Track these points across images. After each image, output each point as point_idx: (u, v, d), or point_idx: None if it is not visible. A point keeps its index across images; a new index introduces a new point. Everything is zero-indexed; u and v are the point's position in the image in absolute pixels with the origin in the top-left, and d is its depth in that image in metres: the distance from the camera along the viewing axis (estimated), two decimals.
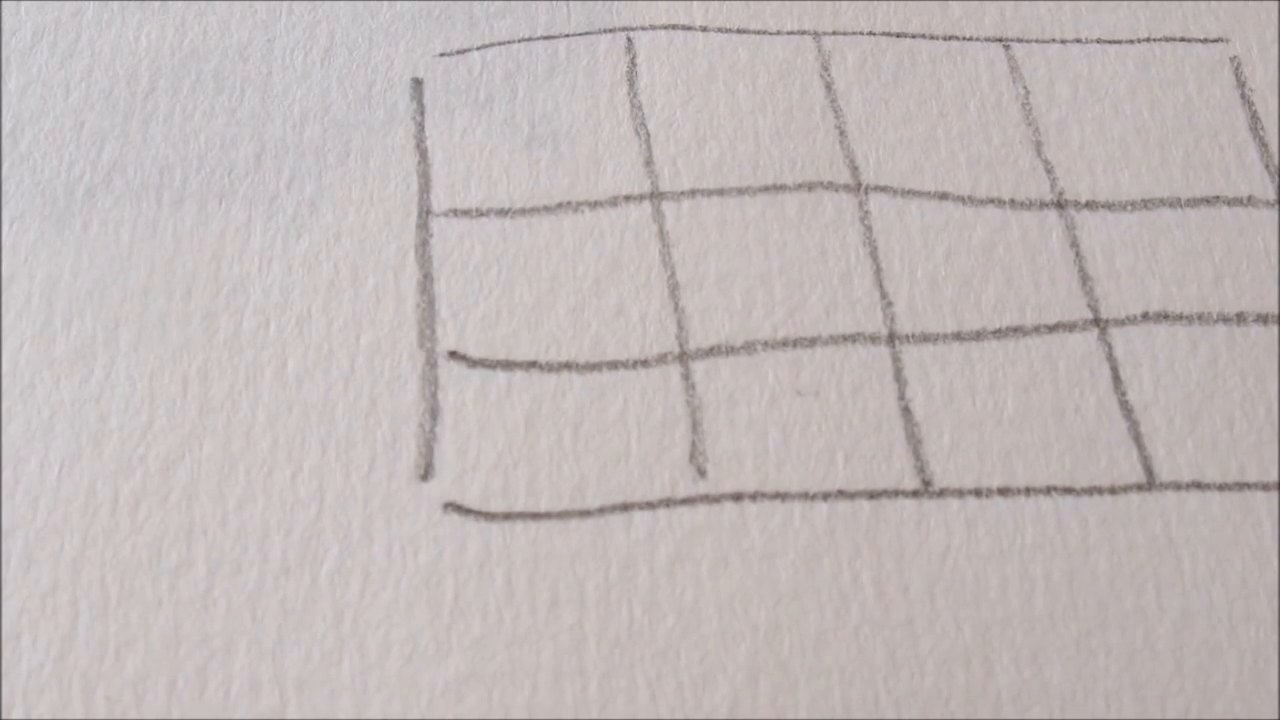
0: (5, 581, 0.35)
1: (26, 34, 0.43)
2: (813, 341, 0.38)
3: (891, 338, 0.38)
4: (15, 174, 0.40)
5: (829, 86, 0.43)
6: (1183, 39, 0.44)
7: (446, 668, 0.34)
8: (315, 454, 0.36)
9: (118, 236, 0.39)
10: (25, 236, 0.39)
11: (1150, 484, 0.36)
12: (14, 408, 0.37)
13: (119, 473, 0.36)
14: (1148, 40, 0.44)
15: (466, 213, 0.40)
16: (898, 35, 0.44)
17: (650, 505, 0.36)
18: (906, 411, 0.37)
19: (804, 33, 0.44)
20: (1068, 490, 0.36)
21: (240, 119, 0.42)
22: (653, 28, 0.44)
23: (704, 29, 0.44)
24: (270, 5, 0.44)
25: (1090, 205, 0.41)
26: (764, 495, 0.36)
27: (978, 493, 0.36)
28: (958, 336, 0.38)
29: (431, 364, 0.38)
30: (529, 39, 0.43)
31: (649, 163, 0.41)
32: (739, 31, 0.44)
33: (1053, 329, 0.39)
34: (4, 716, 0.33)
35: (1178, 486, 0.36)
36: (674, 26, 0.44)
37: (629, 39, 0.43)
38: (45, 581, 0.35)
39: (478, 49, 0.43)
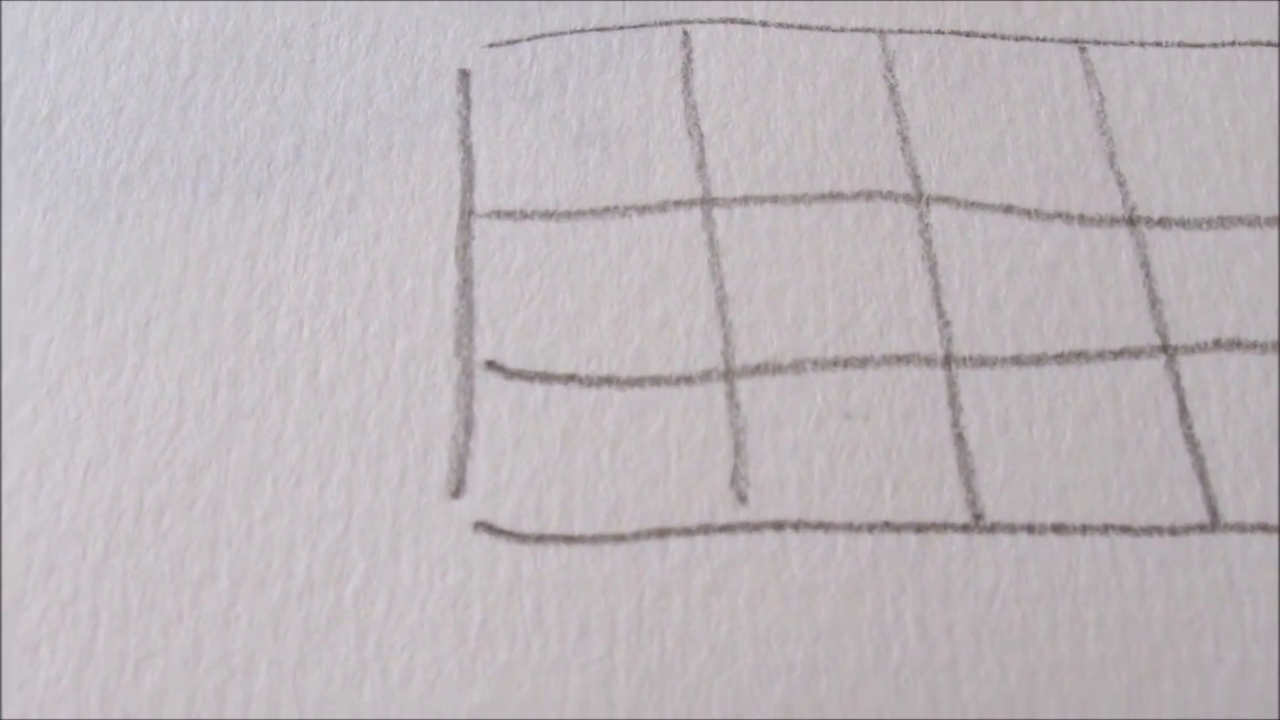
0: (27, 589, 0.34)
1: (67, 14, 0.42)
2: (864, 362, 0.37)
3: (947, 360, 0.37)
4: (51, 160, 0.39)
5: (892, 89, 0.41)
6: (1269, 43, 0.42)
7: (470, 695, 0.33)
8: (345, 465, 0.35)
9: (152, 229, 0.38)
10: (59, 227, 0.38)
11: (1214, 525, 0.35)
12: (41, 406, 0.36)
13: (144, 478, 0.35)
14: (1232, 44, 0.42)
15: (510, 214, 0.39)
16: (967, 34, 0.42)
17: (688, 532, 0.35)
18: (960, 440, 0.36)
19: (869, 30, 0.42)
20: (1125, 529, 0.35)
21: (281, 108, 0.40)
22: (710, 22, 0.42)
23: (764, 24, 0.42)
24: None
25: (1163, 222, 0.39)
26: (806, 525, 0.35)
27: (1030, 529, 0.35)
28: (1017, 361, 0.37)
29: (467, 374, 0.36)
30: (582, 30, 0.42)
31: (701, 166, 0.40)
32: (800, 27, 0.42)
33: (1118, 355, 0.37)
34: None
35: (1242, 528, 0.35)
36: (733, 21, 0.42)
37: (685, 33, 0.42)
38: (66, 590, 0.34)
39: (528, 40, 0.42)
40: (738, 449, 0.36)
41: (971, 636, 0.34)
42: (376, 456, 0.35)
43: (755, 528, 0.35)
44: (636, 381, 0.36)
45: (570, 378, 0.36)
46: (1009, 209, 0.39)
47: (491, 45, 0.42)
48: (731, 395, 0.36)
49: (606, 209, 0.39)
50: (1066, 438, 0.36)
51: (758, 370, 0.37)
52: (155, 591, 0.34)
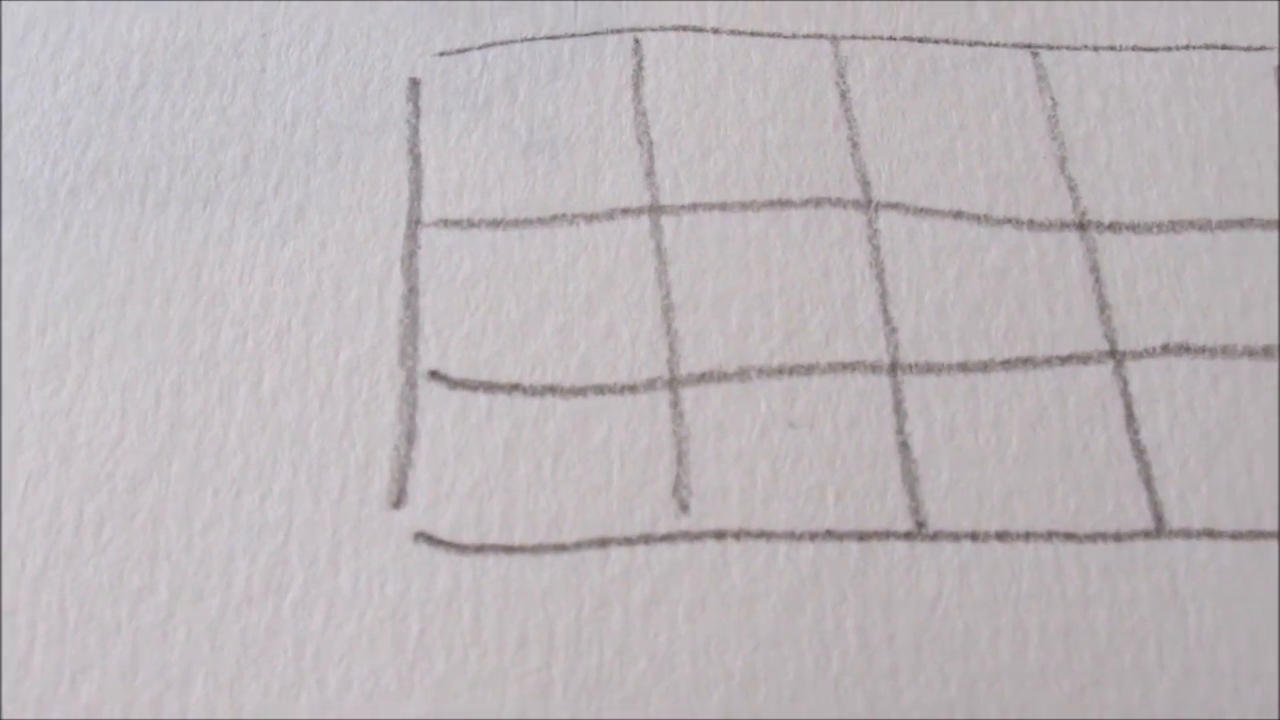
0: None
1: (19, 24, 0.42)
2: (810, 369, 0.36)
3: (893, 367, 0.36)
4: None
5: (844, 95, 0.41)
6: (1224, 46, 0.42)
7: (407, 707, 0.33)
8: (286, 476, 0.35)
9: (98, 240, 0.38)
10: (5, 237, 0.38)
11: (1159, 531, 0.35)
12: None
13: (85, 490, 0.35)
14: (1187, 48, 0.42)
15: (457, 223, 0.39)
16: (920, 40, 0.42)
17: (629, 541, 0.34)
18: (904, 447, 0.35)
19: (821, 36, 0.42)
20: (1070, 536, 0.34)
21: (230, 118, 0.40)
22: (662, 29, 0.42)
23: (715, 31, 0.42)
24: None
25: (1114, 227, 0.39)
26: (748, 534, 0.34)
27: (974, 536, 0.34)
28: (963, 367, 0.36)
29: (411, 384, 0.36)
30: (533, 38, 0.42)
31: (650, 174, 0.39)
32: (752, 34, 0.42)
33: (1065, 360, 0.37)
34: None
35: (1188, 534, 0.34)
36: (684, 28, 0.42)
37: (636, 40, 0.42)
38: (5, 602, 0.34)
39: (479, 48, 0.42)
40: (680, 458, 0.35)
41: (913, 645, 0.33)
42: (318, 467, 0.35)
43: (696, 537, 0.34)
44: (580, 390, 0.36)
45: (514, 387, 0.36)
46: (959, 214, 0.39)
47: (442, 54, 0.42)
48: (676, 404, 0.36)
49: (554, 217, 0.39)
50: (1012, 444, 0.36)
51: (703, 378, 0.36)
52: (93, 603, 0.34)
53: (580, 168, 0.39)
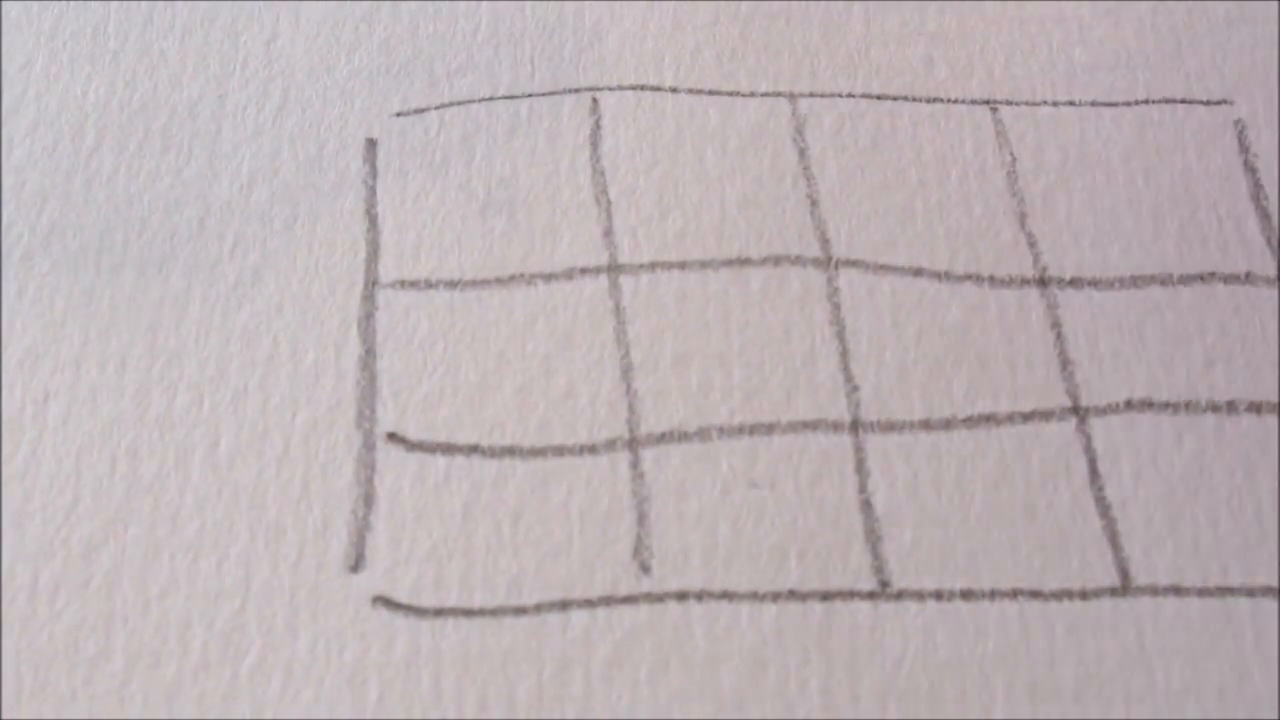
0: None
1: None
2: (771, 428, 0.36)
3: (855, 426, 0.36)
4: None
5: (802, 152, 0.41)
6: (1184, 101, 0.42)
7: None
8: (243, 540, 0.35)
9: (52, 304, 0.38)
10: None
11: (1125, 588, 0.34)
12: None
13: (39, 556, 0.34)
14: (1146, 102, 0.42)
15: (414, 284, 0.38)
16: (878, 97, 0.42)
17: (590, 603, 0.34)
18: (867, 506, 0.35)
19: (779, 94, 0.42)
20: (1035, 594, 0.34)
21: (186, 180, 0.40)
22: (620, 88, 0.42)
23: (674, 90, 0.42)
24: (225, 59, 0.42)
25: (1075, 283, 0.38)
26: (710, 595, 0.34)
27: (938, 595, 0.34)
28: (925, 425, 0.36)
29: (369, 446, 0.36)
30: (490, 98, 0.41)
31: (608, 233, 0.39)
32: (710, 93, 0.42)
33: (1028, 418, 0.36)
34: None
35: (1154, 591, 0.34)
36: (642, 87, 0.42)
37: (594, 100, 0.41)
38: None
39: (436, 108, 0.41)
40: (641, 519, 0.35)
41: (877, 705, 0.33)
42: (275, 531, 0.35)
43: (658, 598, 0.34)
44: (540, 452, 0.36)
45: (473, 449, 0.36)
46: (918, 271, 0.39)
47: (399, 114, 0.41)
48: (636, 464, 0.36)
49: (512, 277, 0.38)
50: (975, 502, 0.35)
51: (663, 439, 0.36)
52: (49, 671, 0.33)
53: (538, 227, 0.39)
